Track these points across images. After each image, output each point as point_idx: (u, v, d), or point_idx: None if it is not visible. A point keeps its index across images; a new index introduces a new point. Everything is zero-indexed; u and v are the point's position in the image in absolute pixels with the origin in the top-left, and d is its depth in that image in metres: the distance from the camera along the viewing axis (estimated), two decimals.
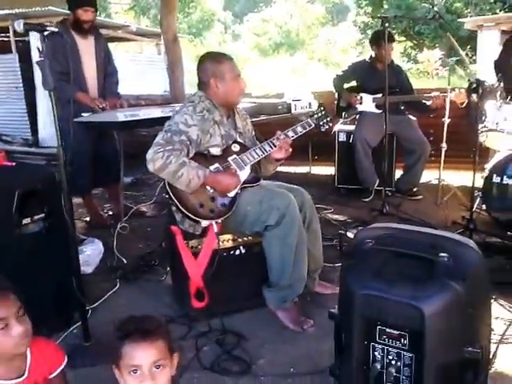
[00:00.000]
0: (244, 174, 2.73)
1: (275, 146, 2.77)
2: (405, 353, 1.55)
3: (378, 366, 1.58)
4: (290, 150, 2.80)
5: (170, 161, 2.46)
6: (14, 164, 2.80)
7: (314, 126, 2.95)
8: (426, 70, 17.56)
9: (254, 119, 3.26)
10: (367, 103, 4.96)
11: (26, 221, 2.45)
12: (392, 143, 4.90)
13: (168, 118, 2.74)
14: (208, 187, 2.62)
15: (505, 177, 3.73)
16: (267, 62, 24.94)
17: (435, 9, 16.29)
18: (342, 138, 5.17)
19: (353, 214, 4.52)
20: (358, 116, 5.07)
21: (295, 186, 2.91)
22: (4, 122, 8.57)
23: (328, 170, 5.93)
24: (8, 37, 8.75)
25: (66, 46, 3.66)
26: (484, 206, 3.95)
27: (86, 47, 4.05)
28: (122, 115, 3.52)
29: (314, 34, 31.35)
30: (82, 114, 3.73)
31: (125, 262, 3.53)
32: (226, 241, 2.77)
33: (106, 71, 4.21)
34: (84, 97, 3.95)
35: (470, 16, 14.90)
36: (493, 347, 2.15)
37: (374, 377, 1.57)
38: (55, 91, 2.25)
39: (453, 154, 4.68)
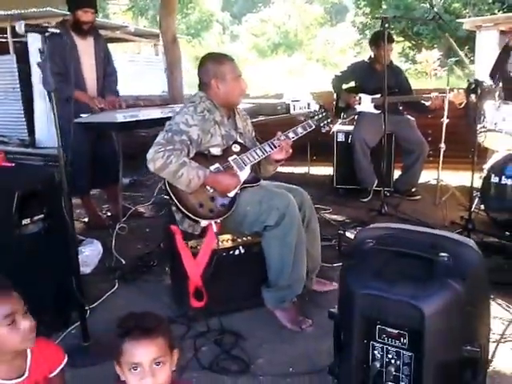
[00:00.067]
0: (244, 174, 2.74)
1: (275, 147, 2.78)
2: (404, 352, 1.55)
3: (378, 365, 1.59)
4: (291, 151, 2.81)
5: (171, 160, 2.47)
6: (13, 165, 2.80)
7: (314, 127, 2.96)
8: (425, 71, 17.58)
9: (253, 120, 3.27)
10: (366, 104, 4.97)
11: (25, 221, 2.45)
12: (391, 143, 4.90)
13: (167, 118, 2.75)
14: (208, 187, 2.63)
15: (503, 177, 3.74)
16: (265, 63, 24.94)
17: (435, 9, 16.29)
18: (341, 138, 5.17)
19: (351, 214, 4.52)
20: (356, 116, 5.08)
21: (294, 186, 2.91)
22: (0, 122, 8.57)
23: (326, 170, 5.92)
24: (5, 38, 8.74)
25: (66, 47, 3.66)
26: (482, 206, 3.97)
27: (86, 48, 4.06)
28: (121, 116, 3.52)
29: (313, 35, 31.35)
30: (81, 115, 3.73)
31: (123, 262, 3.53)
32: (226, 241, 2.77)
33: (105, 72, 4.22)
34: (82, 95, 3.95)
35: (469, 16, 14.95)
36: (491, 346, 2.16)
37: (374, 375, 1.58)
38: (55, 92, 2.25)
39: (451, 154, 4.68)
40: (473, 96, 3.66)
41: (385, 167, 4.50)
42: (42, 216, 2.52)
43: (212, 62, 2.78)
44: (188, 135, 2.57)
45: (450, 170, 5.02)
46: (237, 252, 2.82)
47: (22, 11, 8.02)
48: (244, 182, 2.73)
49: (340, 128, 5.20)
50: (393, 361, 1.58)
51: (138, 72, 9.86)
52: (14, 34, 8.40)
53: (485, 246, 3.37)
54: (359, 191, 5.06)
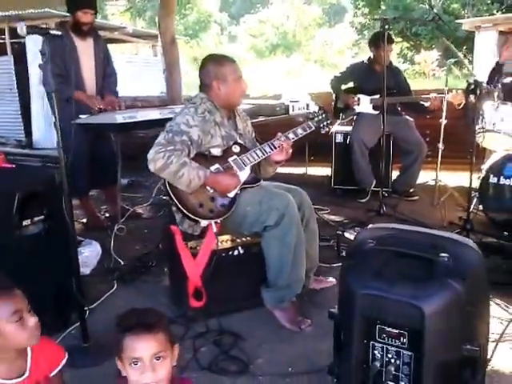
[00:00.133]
0: (244, 174, 2.74)
1: (275, 148, 2.79)
2: (404, 351, 1.56)
3: (378, 365, 1.59)
4: (290, 151, 2.82)
5: (171, 161, 2.47)
6: (13, 166, 2.81)
7: (314, 128, 2.97)
8: (423, 71, 17.60)
9: (252, 120, 3.27)
10: (365, 104, 4.98)
11: (26, 222, 2.46)
12: (389, 144, 4.92)
13: (166, 119, 2.75)
14: (208, 187, 2.63)
15: (501, 177, 3.75)
16: (263, 64, 24.92)
17: (434, 10, 16.32)
18: (339, 138, 5.19)
19: (349, 214, 4.53)
20: (355, 117, 5.09)
21: (293, 187, 2.92)
22: None
23: (324, 170, 5.93)
24: (3, 39, 8.74)
25: (66, 48, 3.66)
26: (481, 207, 3.98)
27: (85, 49, 4.06)
28: (120, 117, 3.52)
29: (311, 35, 31.34)
30: (80, 116, 3.73)
31: (122, 263, 3.52)
32: (225, 241, 2.78)
33: (104, 73, 4.22)
34: (81, 94, 3.95)
35: (468, 17, 14.96)
36: (490, 346, 2.17)
37: (374, 375, 1.58)
38: (56, 93, 2.26)
39: (450, 154, 4.69)
40: (472, 96, 3.67)
41: (383, 168, 4.51)
42: (42, 217, 2.52)
43: (213, 64, 2.79)
44: (188, 136, 2.58)
45: (448, 170, 5.03)
46: (236, 252, 2.82)
47: (20, 12, 8.01)
48: (244, 183, 2.74)
49: (338, 129, 5.20)
50: (393, 360, 1.58)
51: (136, 73, 9.84)
52: (12, 35, 8.41)
53: (483, 246, 3.36)
54: (357, 192, 5.07)
